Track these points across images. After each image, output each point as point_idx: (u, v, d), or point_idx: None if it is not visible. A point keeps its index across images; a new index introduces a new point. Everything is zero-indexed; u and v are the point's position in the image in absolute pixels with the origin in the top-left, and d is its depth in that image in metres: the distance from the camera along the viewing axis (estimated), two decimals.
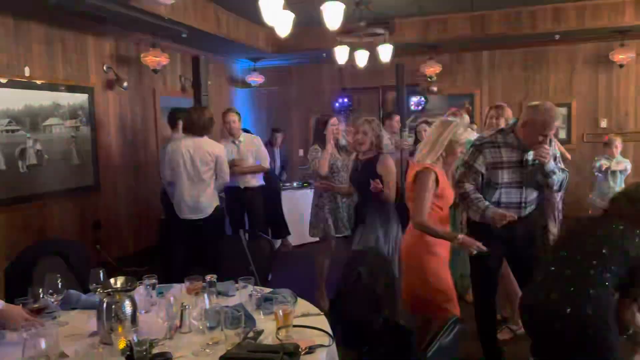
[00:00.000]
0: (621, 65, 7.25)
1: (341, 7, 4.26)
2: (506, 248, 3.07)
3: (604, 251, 2.25)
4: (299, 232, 7.09)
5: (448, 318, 1.80)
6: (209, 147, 4.32)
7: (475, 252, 2.70)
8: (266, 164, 5.50)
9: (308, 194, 7.12)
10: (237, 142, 5.35)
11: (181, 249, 4.48)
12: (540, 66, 7.84)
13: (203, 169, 4.29)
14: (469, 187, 3.03)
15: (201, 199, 4.33)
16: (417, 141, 5.34)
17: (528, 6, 6.74)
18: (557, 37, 7.23)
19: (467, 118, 4.75)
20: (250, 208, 5.53)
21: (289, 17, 4.20)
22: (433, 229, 2.80)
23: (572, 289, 2.23)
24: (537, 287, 2.38)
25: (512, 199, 3.00)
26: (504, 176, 2.97)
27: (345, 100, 8.44)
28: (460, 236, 2.75)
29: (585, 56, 7.65)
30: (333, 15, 4.23)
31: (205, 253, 4.18)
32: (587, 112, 7.68)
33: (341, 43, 6.04)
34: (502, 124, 4.59)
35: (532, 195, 3.04)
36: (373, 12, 5.94)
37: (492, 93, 8.08)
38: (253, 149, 5.38)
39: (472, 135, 4.79)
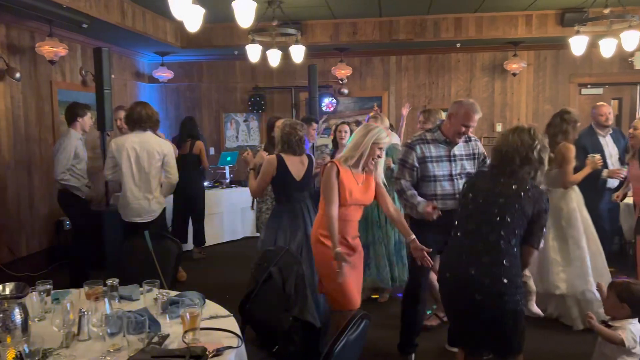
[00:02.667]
0: (514, 74, 7.84)
1: (253, 5, 4.23)
2: (442, 238, 3.19)
3: (507, 219, 2.43)
4: (210, 232, 6.95)
5: (355, 313, 1.84)
6: (156, 145, 4.24)
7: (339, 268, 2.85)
8: None
9: (220, 194, 7.04)
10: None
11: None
12: (443, 72, 8.27)
13: (149, 168, 4.24)
14: (405, 183, 3.20)
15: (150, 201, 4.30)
16: (335, 142, 5.42)
17: (432, 15, 7.08)
18: (458, 45, 7.68)
19: (387, 121, 4.88)
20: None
21: (199, 12, 4.11)
22: (331, 222, 2.89)
23: (486, 260, 2.42)
24: (456, 264, 2.51)
25: (447, 190, 3.22)
26: (435, 170, 3.19)
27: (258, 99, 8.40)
28: (338, 249, 2.86)
29: (483, 64, 8.18)
30: (244, 13, 4.19)
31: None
32: (485, 117, 8.21)
33: (253, 41, 6.00)
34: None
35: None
36: (285, 12, 5.96)
37: (399, 96, 8.40)
38: None
39: (395, 139, 4.96)
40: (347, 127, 5.39)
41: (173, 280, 3.24)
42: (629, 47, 5.63)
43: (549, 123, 4.24)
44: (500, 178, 2.50)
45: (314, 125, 6.46)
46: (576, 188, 4.11)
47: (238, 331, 2.15)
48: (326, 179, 2.93)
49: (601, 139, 5.03)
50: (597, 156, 4.16)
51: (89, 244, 4.98)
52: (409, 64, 8.34)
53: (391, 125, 5.93)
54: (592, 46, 6.21)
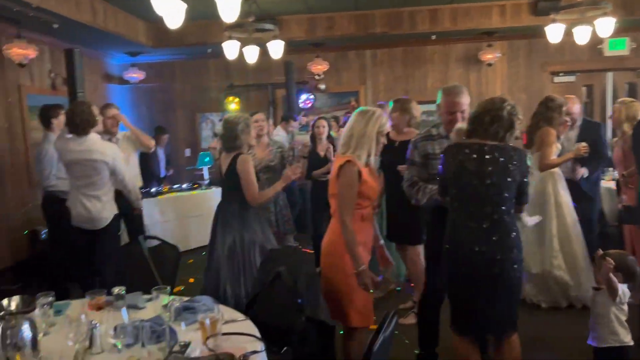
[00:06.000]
0: (489, 64, 7.92)
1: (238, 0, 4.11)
2: None
3: (505, 194, 2.53)
4: (196, 234, 6.74)
5: (388, 311, 1.79)
6: (97, 150, 3.84)
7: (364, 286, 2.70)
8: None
9: (200, 196, 6.86)
10: (114, 140, 4.99)
11: (70, 261, 4.03)
12: (419, 64, 8.29)
13: (91, 174, 3.85)
14: (415, 179, 3.06)
15: (92, 209, 3.88)
16: (313, 138, 5.33)
17: (407, 7, 7.08)
18: (433, 37, 7.70)
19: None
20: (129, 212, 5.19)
21: (181, 7, 3.97)
22: (352, 237, 2.68)
23: (496, 237, 2.51)
24: (466, 245, 2.55)
25: None
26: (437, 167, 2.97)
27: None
28: (363, 267, 2.66)
29: (458, 55, 8.24)
30: (229, 7, 4.07)
31: (102, 265, 3.83)
32: None
33: (230, 38, 5.86)
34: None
35: None
36: (260, 7, 5.85)
37: (375, 90, 8.39)
38: (132, 145, 5.05)
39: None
40: (324, 122, 5.33)
41: (172, 286, 3.12)
42: (603, 33, 5.73)
43: (534, 112, 4.32)
44: (484, 153, 2.54)
45: (292, 123, 6.40)
46: (555, 172, 4.18)
47: (258, 335, 2.07)
48: (348, 182, 2.66)
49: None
50: (583, 144, 4.22)
51: (67, 253, 4.77)
52: (384, 58, 8.33)
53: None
54: (564, 34, 6.30)
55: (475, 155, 2.55)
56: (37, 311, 2.09)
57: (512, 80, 8.19)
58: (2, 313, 1.77)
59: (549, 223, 4.14)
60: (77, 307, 2.39)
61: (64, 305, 2.40)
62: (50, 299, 2.23)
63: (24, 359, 1.72)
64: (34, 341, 1.81)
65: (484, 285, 2.56)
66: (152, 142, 5.18)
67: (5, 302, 1.82)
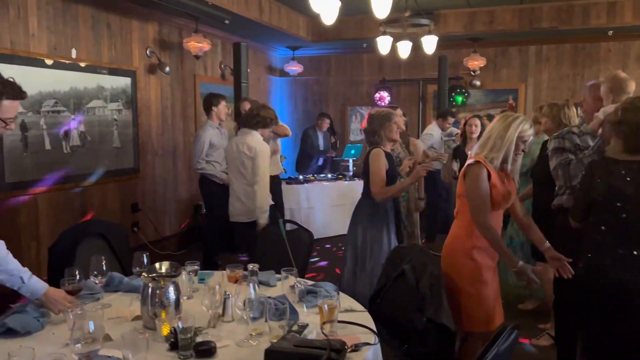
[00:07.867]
0: None
1: None
2: None
3: None
4: (336, 223, 6.97)
5: (507, 324, 1.71)
6: (249, 143, 3.94)
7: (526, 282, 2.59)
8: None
9: (343, 187, 7.06)
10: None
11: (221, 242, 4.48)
12: (590, 63, 7.54)
13: (245, 167, 4.02)
14: (570, 157, 2.93)
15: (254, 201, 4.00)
16: (464, 137, 5.17)
17: (581, 0, 6.47)
18: (610, 32, 6.94)
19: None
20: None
21: (336, 4, 4.11)
22: (497, 237, 2.59)
23: None
24: (610, 271, 2.31)
25: None
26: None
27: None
28: (521, 263, 2.55)
29: (639, 54, 7.32)
30: (381, 3, 4.12)
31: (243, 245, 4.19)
32: None
33: (384, 33, 5.92)
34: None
35: None
36: (418, 2, 5.79)
37: (537, 89, 7.82)
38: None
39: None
40: (477, 121, 5.11)
41: (304, 269, 3.30)
42: None
43: None
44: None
45: (450, 119, 6.26)
46: None
47: (374, 327, 2.11)
48: (478, 183, 2.57)
49: None
50: None
51: (220, 227, 5.25)
52: (550, 54, 7.72)
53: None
54: None
55: (632, 177, 2.25)
56: (183, 276, 2.37)
57: None
58: (154, 275, 2.05)
59: None
60: (218, 277, 2.65)
61: (208, 274, 2.69)
62: (196, 267, 2.51)
63: (168, 316, 1.97)
64: (177, 302, 2.06)
65: (628, 318, 2.28)
66: (288, 131, 5.57)
67: (157, 265, 2.11)
